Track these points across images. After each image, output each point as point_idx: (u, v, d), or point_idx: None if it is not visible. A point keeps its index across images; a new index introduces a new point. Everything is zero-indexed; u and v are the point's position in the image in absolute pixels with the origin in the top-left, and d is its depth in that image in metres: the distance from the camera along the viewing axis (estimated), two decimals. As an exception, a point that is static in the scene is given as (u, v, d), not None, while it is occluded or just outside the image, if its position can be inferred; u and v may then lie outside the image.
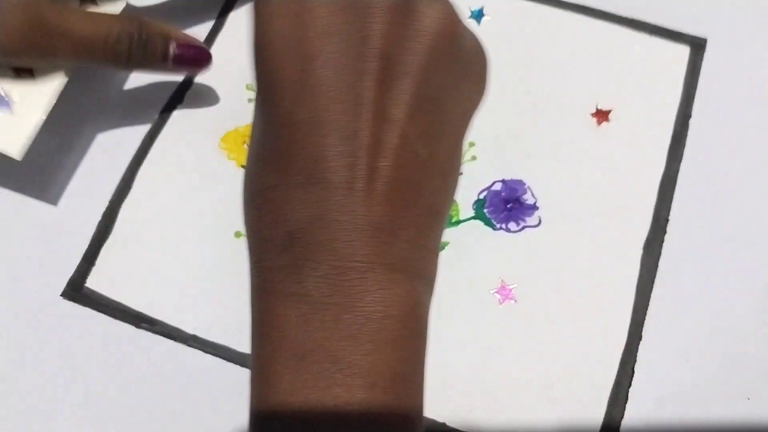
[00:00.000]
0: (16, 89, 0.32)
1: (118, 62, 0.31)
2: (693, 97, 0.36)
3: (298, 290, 0.20)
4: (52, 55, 0.30)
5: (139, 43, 0.31)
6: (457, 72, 0.22)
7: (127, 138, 0.36)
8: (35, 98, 0.32)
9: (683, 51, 0.37)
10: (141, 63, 0.32)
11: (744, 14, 0.38)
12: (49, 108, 0.32)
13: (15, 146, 0.31)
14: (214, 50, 0.38)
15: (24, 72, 0.32)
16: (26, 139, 0.31)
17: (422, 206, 0.21)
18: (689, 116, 0.36)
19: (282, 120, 0.21)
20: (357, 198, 0.20)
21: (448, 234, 0.34)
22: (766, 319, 0.32)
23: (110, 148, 0.37)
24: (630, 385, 0.31)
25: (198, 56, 0.33)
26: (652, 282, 0.33)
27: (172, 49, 0.32)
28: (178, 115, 0.37)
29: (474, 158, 0.35)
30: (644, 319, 0.32)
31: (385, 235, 0.20)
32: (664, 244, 0.34)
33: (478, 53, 0.23)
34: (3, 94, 0.31)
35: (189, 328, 0.33)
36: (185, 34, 0.33)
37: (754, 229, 0.34)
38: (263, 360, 0.21)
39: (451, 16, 0.22)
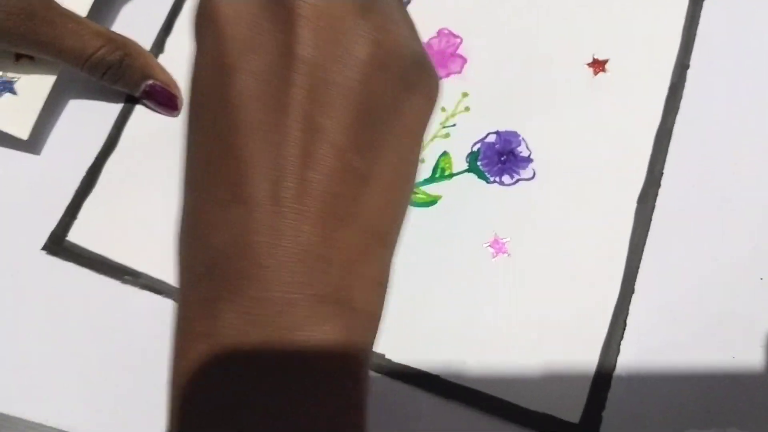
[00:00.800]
0: (18, 73, 0.33)
1: (92, 75, 0.33)
2: (691, 48, 0.35)
3: (210, 329, 0.18)
4: (39, 52, 0.31)
5: (116, 71, 0.33)
6: (397, 84, 0.20)
7: (113, 94, 0.35)
8: (37, 81, 0.33)
9: (682, 0, 0.36)
10: (113, 83, 0.33)
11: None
12: (50, 89, 0.33)
13: (22, 128, 0.32)
14: None
15: (24, 57, 0.33)
16: (32, 121, 0.33)
17: (361, 225, 0.19)
18: (687, 67, 0.35)
19: (205, 134, 0.19)
20: (284, 216, 0.18)
21: (441, 187, 0.33)
22: (756, 274, 0.32)
23: (96, 104, 0.35)
24: (622, 337, 0.31)
25: (166, 102, 0.34)
26: (646, 235, 0.32)
27: (145, 85, 0.34)
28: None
29: (467, 109, 0.35)
30: (637, 272, 0.32)
31: (314, 259, 0.18)
32: (659, 198, 0.33)
33: (423, 64, 0.21)
34: (6, 78, 0.33)
35: (174, 281, 0.32)
36: (166, 76, 0.34)
37: (749, 185, 0.33)
38: (174, 407, 0.18)
39: (389, 24, 0.19)
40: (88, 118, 0.35)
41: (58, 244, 0.33)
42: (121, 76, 0.33)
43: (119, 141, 0.35)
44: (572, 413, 0.30)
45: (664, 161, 0.34)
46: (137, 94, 0.34)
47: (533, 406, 0.30)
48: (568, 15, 0.36)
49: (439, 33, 0.36)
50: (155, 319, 0.32)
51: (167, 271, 0.32)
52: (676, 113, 0.34)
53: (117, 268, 0.32)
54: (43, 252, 0.33)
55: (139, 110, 0.35)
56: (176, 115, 0.35)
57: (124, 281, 0.32)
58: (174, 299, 0.32)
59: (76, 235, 0.33)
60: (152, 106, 0.35)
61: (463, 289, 0.32)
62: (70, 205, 0.34)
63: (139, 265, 0.32)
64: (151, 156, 0.34)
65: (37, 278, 0.32)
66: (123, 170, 0.34)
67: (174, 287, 0.32)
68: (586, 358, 0.31)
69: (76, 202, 0.34)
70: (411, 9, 0.36)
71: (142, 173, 0.34)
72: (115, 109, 0.35)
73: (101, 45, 0.32)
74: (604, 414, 0.30)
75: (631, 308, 0.31)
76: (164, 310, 0.32)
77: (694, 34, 0.36)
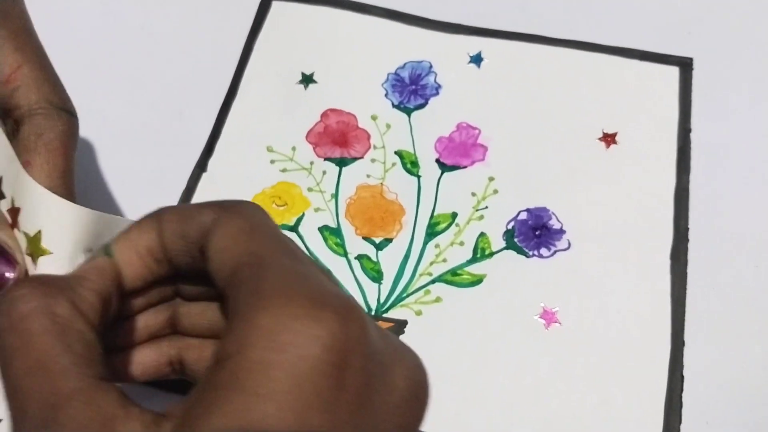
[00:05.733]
0: None
1: None
2: (689, 112, 0.39)
3: None
4: None
5: None
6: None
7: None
8: None
9: (673, 71, 0.40)
10: None
11: (722, 33, 0.41)
12: None
13: None
14: (232, 116, 0.39)
15: None
16: None
17: None
18: (689, 130, 0.38)
19: None
20: None
21: (484, 266, 0.35)
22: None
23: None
24: (682, 390, 0.32)
25: None
26: (685, 289, 0.34)
27: None
28: (204, 185, 0.38)
29: (496, 192, 0.37)
30: (683, 325, 0.33)
31: None
32: (689, 252, 0.35)
33: (395, 364, 0.18)
34: None
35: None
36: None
37: (770, 227, 0.36)
38: None
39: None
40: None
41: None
42: None
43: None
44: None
45: (687, 217, 0.36)
46: None
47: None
48: (573, 98, 0.39)
49: (458, 127, 0.39)
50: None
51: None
52: (688, 172, 0.37)
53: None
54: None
55: None
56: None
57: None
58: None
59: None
60: None
61: (523, 362, 0.33)
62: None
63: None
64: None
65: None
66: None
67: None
68: (650, 415, 0.32)
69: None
70: (431, 109, 0.39)
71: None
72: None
73: None
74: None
75: (686, 360, 0.33)
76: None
77: (690, 100, 0.39)
